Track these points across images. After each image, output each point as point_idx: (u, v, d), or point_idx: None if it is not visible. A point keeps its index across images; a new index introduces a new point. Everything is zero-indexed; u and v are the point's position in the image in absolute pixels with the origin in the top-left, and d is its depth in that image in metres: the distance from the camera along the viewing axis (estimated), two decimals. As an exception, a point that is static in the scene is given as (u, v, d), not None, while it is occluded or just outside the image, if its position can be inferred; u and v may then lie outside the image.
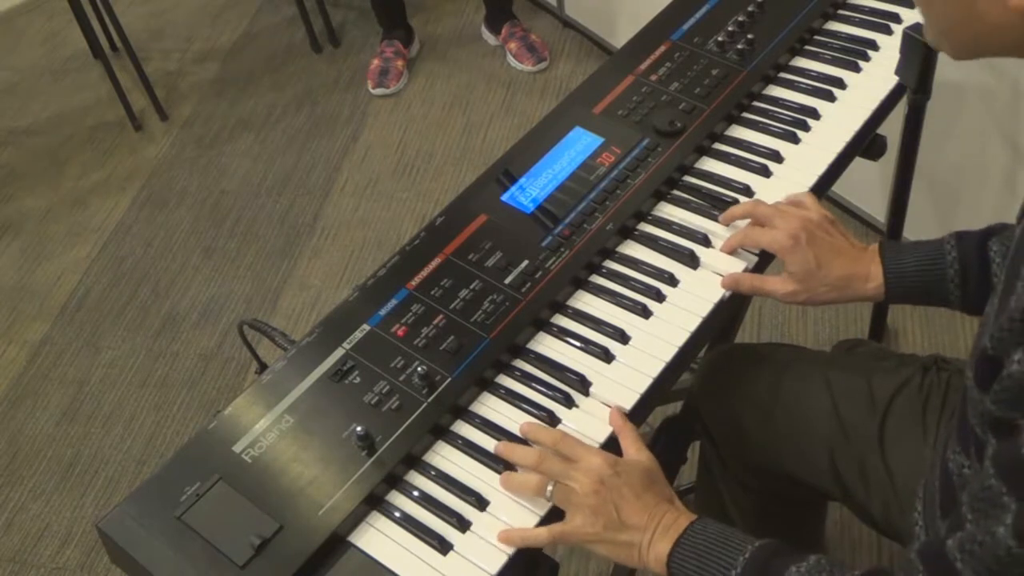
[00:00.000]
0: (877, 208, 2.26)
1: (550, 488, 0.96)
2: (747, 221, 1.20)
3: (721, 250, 1.19)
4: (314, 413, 1.02)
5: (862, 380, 1.21)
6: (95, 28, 3.06)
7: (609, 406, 1.04)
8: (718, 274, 1.17)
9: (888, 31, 1.48)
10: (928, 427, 1.16)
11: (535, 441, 1.01)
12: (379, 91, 2.97)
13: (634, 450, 1.00)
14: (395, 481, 1.00)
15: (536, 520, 0.97)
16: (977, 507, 0.77)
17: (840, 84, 1.40)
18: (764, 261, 1.19)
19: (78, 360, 2.33)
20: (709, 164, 1.32)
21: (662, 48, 1.44)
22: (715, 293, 1.16)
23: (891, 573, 0.85)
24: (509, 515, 0.97)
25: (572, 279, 1.16)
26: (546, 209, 1.23)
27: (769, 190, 1.27)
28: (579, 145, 1.30)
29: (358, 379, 1.05)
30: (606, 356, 1.10)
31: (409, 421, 1.01)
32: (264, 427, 1.01)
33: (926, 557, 0.81)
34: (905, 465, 1.15)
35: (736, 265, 1.18)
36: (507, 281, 1.14)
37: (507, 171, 1.28)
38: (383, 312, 1.11)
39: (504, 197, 1.24)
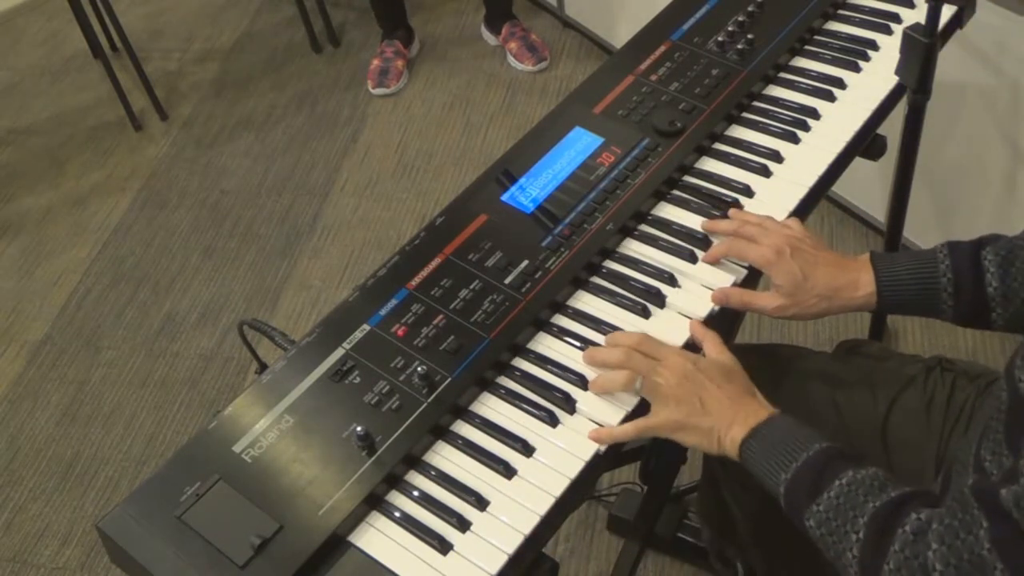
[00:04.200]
0: (877, 208, 2.26)
1: (638, 383, 1.03)
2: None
3: (704, 260, 1.19)
4: (314, 413, 1.02)
5: (864, 379, 1.21)
6: (95, 28, 3.06)
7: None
8: (717, 276, 1.17)
9: (888, 31, 1.48)
10: (932, 426, 1.16)
11: (617, 344, 1.07)
12: (379, 91, 2.97)
13: (716, 352, 1.08)
14: (395, 481, 1.00)
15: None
16: None
17: (840, 84, 1.40)
18: (754, 275, 1.19)
19: (78, 360, 2.33)
20: (709, 164, 1.32)
21: (662, 48, 1.44)
22: (715, 293, 1.16)
23: (931, 495, 0.89)
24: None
25: (572, 279, 1.16)
26: (546, 209, 1.23)
27: (769, 190, 1.27)
28: (579, 145, 1.30)
29: (358, 379, 1.05)
30: (606, 356, 1.09)
31: (409, 421, 1.01)
32: (264, 427, 1.01)
33: (981, 496, 0.83)
34: (909, 462, 1.15)
35: (728, 272, 1.18)
36: (507, 281, 1.14)
37: (507, 171, 1.28)
38: (383, 312, 1.11)
39: (504, 197, 1.24)
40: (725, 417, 1.01)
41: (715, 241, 1.20)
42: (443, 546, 0.94)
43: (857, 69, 1.43)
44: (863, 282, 1.11)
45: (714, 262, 1.18)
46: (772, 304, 1.13)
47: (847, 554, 0.89)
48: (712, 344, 1.09)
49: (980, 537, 0.80)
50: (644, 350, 1.05)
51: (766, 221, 1.18)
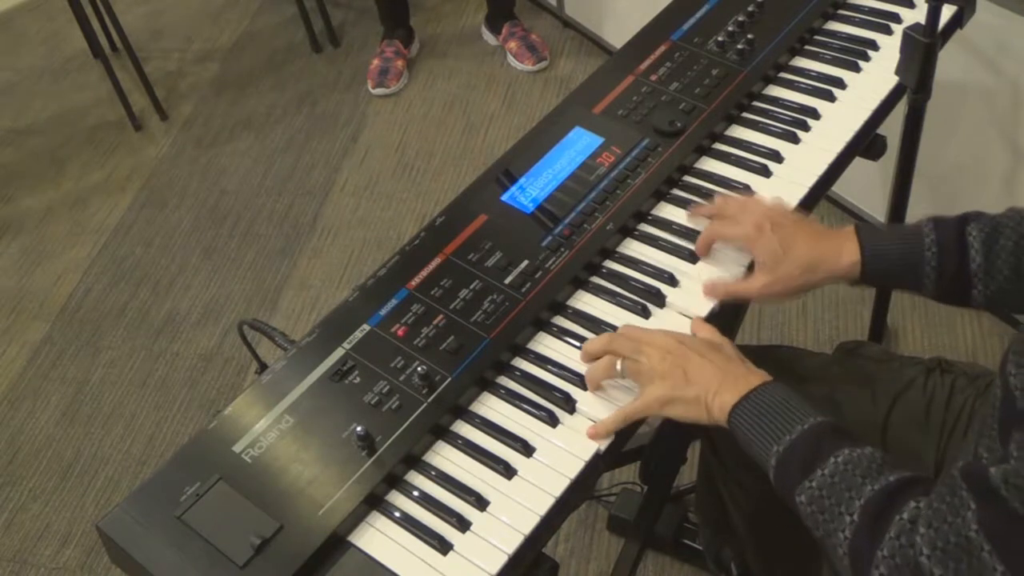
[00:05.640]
0: (877, 208, 2.26)
1: (619, 364, 1.03)
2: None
3: (697, 252, 1.19)
4: (314, 413, 1.02)
5: (864, 380, 1.21)
6: (95, 28, 3.06)
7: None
8: (717, 276, 1.17)
9: (888, 31, 1.48)
10: (932, 428, 1.16)
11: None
12: (379, 91, 2.97)
13: (706, 333, 1.08)
14: (395, 481, 1.00)
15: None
16: None
17: (840, 84, 1.40)
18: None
19: (78, 360, 2.33)
20: (709, 164, 1.32)
21: (662, 48, 1.44)
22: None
23: (930, 482, 0.87)
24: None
25: (572, 279, 1.16)
26: (546, 209, 1.23)
27: (769, 190, 1.27)
28: (579, 145, 1.30)
29: (358, 379, 1.05)
30: (606, 356, 1.09)
31: (409, 421, 1.01)
32: (264, 427, 1.01)
33: (969, 476, 0.82)
34: (908, 464, 1.14)
35: (728, 272, 1.18)
36: (507, 281, 1.14)
37: (507, 171, 1.28)
38: (383, 312, 1.11)
39: (504, 197, 1.24)
40: (710, 384, 0.99)
41: None
42: (443, 546, 0.94)
43: (857, 69, 1.43)
44: (847, 250, 1.10)
45: (705, 251, 1.18)
46: (756, 284, 1.13)
47: (838, 534, 0.87)
48: (699, 326, 1.09)
49: (967, 519, 0.79)
50: (628, 334, 1.05)
51: (748, 201, 1.18)
